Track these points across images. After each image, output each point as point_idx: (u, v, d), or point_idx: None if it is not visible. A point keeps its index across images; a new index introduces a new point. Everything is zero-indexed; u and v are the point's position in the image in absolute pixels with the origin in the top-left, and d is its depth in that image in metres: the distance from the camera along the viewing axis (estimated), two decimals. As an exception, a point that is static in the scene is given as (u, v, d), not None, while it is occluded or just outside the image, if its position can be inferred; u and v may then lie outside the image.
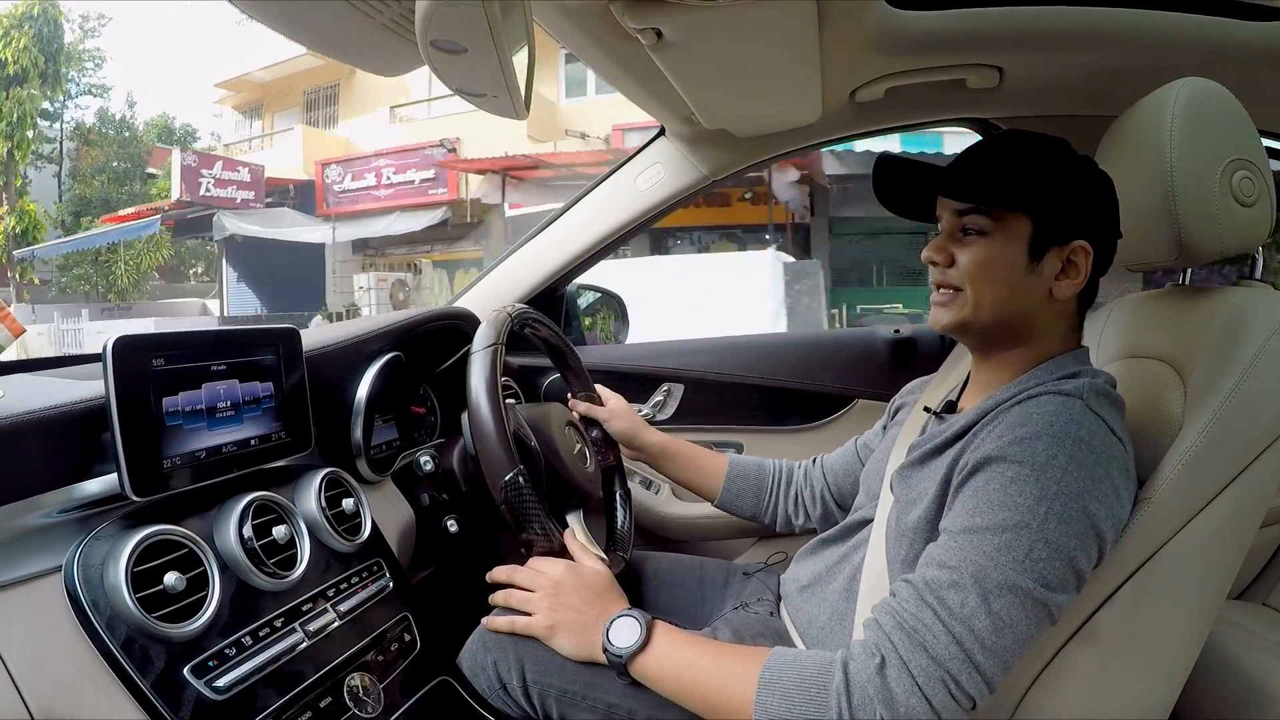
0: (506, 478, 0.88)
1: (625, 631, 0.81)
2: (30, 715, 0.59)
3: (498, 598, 0.92)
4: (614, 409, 1.20)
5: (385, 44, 0.81)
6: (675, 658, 0.79)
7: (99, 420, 0.71)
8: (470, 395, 0.90)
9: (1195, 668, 0.82)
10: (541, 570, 0.90)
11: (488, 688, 0.89)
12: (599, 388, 1.21)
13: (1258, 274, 0.93)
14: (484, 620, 0.92)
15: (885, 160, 0.85)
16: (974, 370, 0.90)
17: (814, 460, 1.20)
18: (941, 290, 0.84)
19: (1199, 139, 0.83)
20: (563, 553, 0.92)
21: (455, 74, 0.77)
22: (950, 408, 0.92)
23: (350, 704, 0.79)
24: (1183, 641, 0.81)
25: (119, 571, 0.66)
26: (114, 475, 0.71)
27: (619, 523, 1.15)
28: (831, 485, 1.15)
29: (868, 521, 0.93)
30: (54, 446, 0.70)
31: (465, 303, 1.51)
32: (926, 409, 0.93)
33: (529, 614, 0.88)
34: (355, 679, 0.81)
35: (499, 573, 0.93)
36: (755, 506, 1.19)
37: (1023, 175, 0.79)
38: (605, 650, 0.81)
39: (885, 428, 1.09)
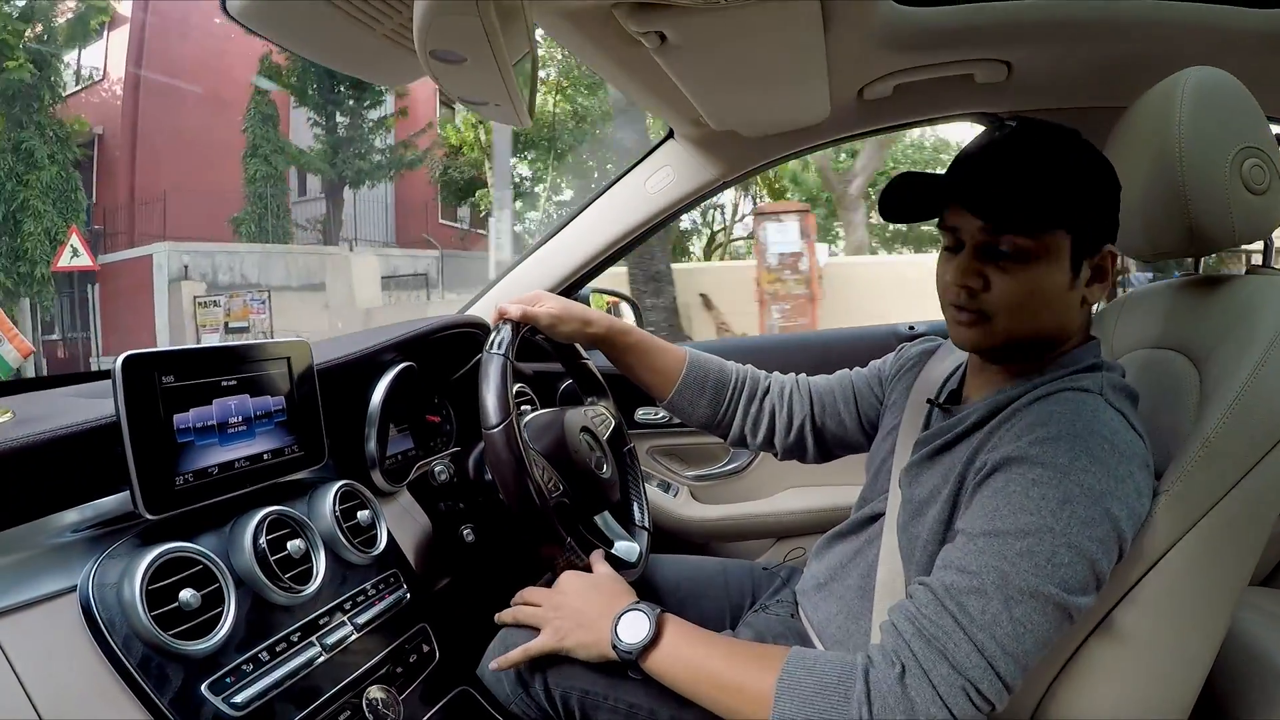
0: (499, 426, 0.86)
1: (634, 626, 0.80)
2: None
3: (504, 616, 0.91)
4: (555, 312, 0.98)
5: (386, 55, 0.81)
6: (687, 654, 0.77)
7: (109, 439, 0.71)
8: (482, 412, 0.88)
9: (1220, 653, 0.80)
10: (547, 587, 0.90)
11: (510, 692, 0.89)
12: (529, 293, 1.02)
13: (1270, 262, 0.92)
14: (497, 661, 0.89)
15: (901, 179, 0.79)
16: (977, 360, 0.87)
17: (796, 381, 1.09)
18: (970, 313, 0.77)
19: (1208, 127, 0.82)
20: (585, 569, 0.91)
21: (456, 83, 0.77)
22: (954, 398, 0.90)
23: (370, 717, 0.78)
24: (1203, 633, 0.79)
25: (134, 589, 0.66)
26: (126, 493, 0.71)
27: (636, 526, 1.14)
28: (816, 419, 1.07)
29: (879, 515, 0.91)
30: (65, 467, 0.70)
31: (477, 311, 1.51)
32: (928, 400, 0.91)
33: (538, 630, 0.87)
34: (374, 692, 0.80)
35: (507, 615, 0.92)
36: (709, 414, 1.07)
37: (1058, 189, 0.72)
38: (614, 646, 0.80)
39: (882, 405, 1.04)
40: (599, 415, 1.16)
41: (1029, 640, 0.66)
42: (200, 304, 10.31)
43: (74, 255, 9.54)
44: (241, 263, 11.23)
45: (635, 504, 1.16)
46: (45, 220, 10.14)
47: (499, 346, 0.91)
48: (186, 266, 10.73)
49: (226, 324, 10.14)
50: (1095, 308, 0.86)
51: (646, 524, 1.14)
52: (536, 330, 1.01)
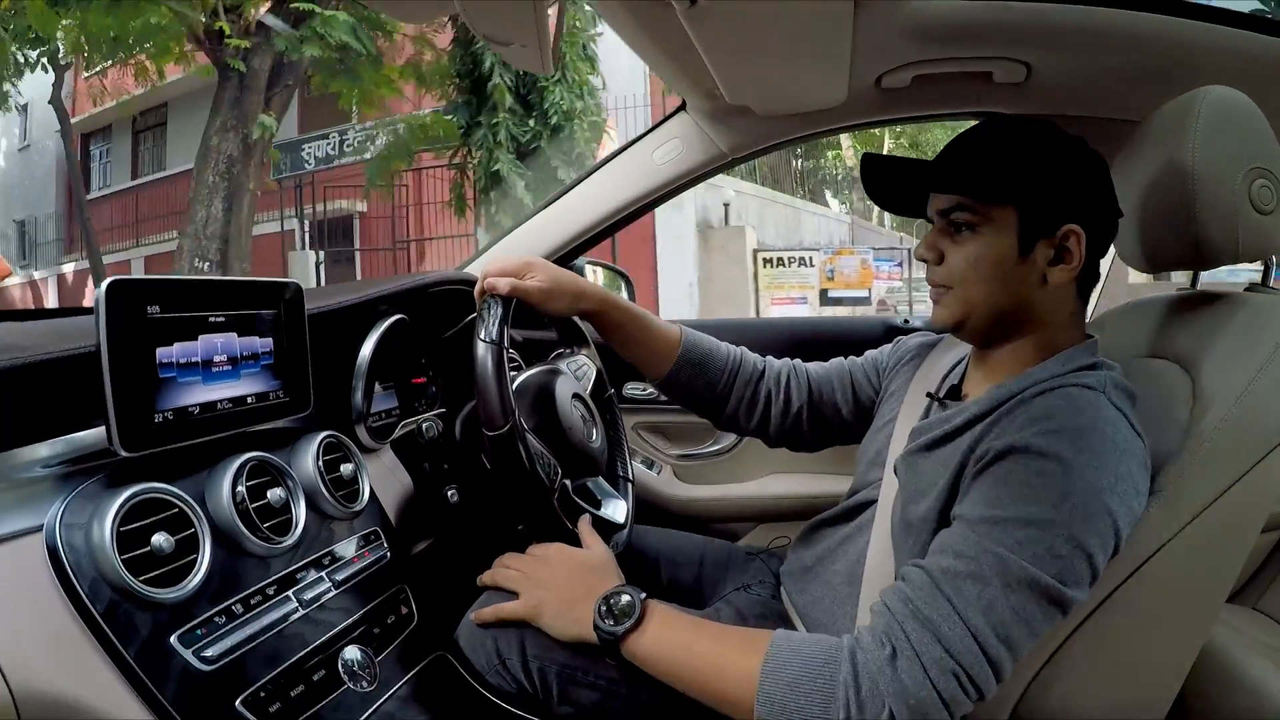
0: (504, 430, 0.82)
1: (618, 610, 0.78)
2: (6, 684, 0.55)
3: (485, 579, 0.90)
4: (546, 287, 0.93)
5: None
6: (671, 639, 0.76)
7: (86, 369, 0.66)
8: (485, 413, 0.84)
9: (1193, 666, 0.82)
10: (531, 551, 0.88)
11: (486, 663, 0.86)
12: (516, 259, 0.96)
13: (1270, 282, 0.94)
14: (471, 616, 0.88)
15: (871, 159, 0.83)
16: (975, 355, 0.88)
17: (794, 367, 1.08)
18: (935, 288, 0.82)
19: (1222, 144, 0.83)
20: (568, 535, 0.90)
21: (486, 20, 0.74)
22: (953, 393, 0.90)
23: (345, 678, 0.75)
24: (1183, 637, 0.81)
25: (104, 531, 0.62)
26: (101, 428, 0.66)
27: (620, 478, 1.13)
28: (814, 405, 1.06)
29: (870, 503, 0.91)
30: (38, 396, 0.65)
31: (475, 270, 1.46)
32: (928, 395, 0.91)
33: (516, 594, 0.85)
34: (350, 652, 0.77)
35: (487, 577, 0.90)
36: (703, 397, 1.06)
37: (1005, 165, 0.77)
38: (597, 628, 0.78)
39: (878, 397, 1.05)
40: (582, 367, 1.13)
41: (1023, 629, 0.66)
42: (766, 261, 7.38)
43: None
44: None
45: (618, 457, 1.14)
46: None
47: (492, 335, 0.85)
48: (727, 206, 7.36)
49: (824, 291, 7.40)
50: (1089, 312, 0.87)
51: (630, 475, 1.13)
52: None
